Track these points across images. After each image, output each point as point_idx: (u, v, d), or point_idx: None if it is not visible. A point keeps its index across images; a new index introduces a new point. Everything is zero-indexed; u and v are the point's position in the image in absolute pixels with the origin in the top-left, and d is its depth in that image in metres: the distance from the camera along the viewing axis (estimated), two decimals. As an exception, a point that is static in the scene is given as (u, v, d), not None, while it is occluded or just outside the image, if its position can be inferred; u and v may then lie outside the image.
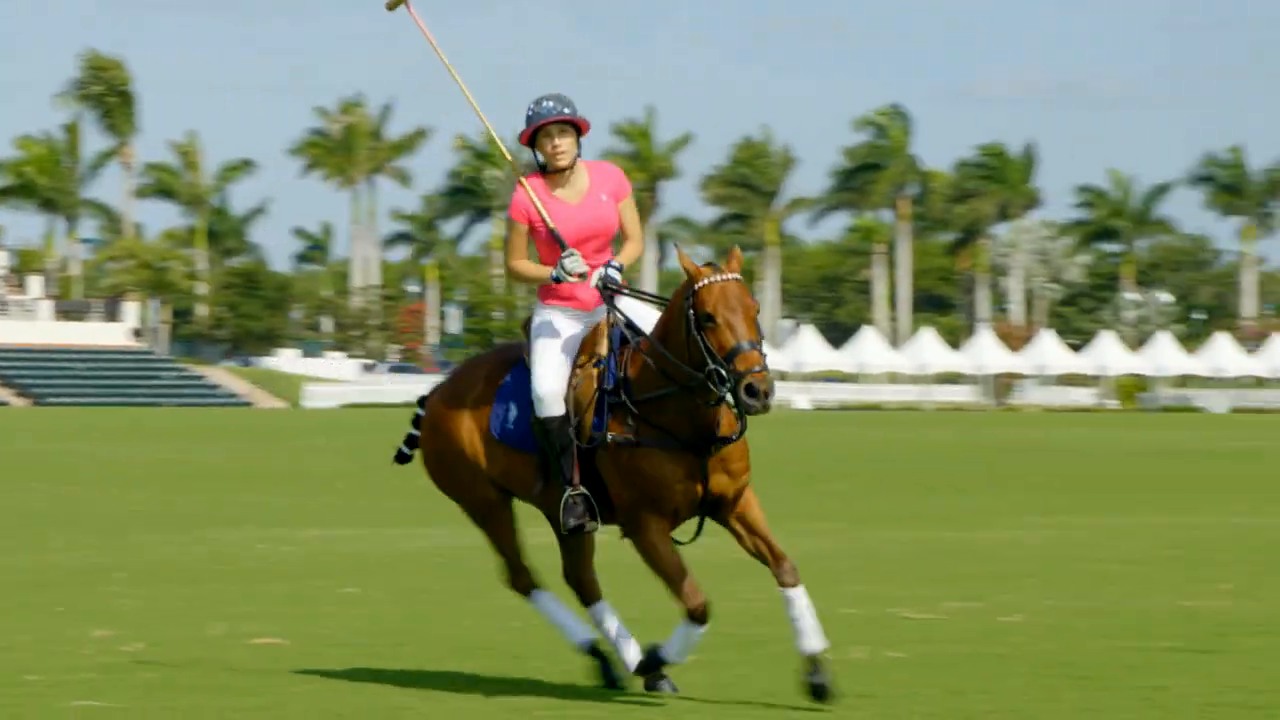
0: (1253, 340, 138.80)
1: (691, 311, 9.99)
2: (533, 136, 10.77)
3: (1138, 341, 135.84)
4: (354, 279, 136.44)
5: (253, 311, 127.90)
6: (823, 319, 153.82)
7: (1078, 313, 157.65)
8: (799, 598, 10.42)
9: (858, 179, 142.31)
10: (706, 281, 10.00)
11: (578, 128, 10.79)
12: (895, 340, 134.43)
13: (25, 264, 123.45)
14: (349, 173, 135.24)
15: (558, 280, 10.54)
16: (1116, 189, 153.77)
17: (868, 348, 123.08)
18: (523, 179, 10.74)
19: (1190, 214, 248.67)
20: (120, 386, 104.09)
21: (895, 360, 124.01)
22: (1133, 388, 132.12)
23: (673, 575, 10.40)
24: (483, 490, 11.02)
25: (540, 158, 10.80)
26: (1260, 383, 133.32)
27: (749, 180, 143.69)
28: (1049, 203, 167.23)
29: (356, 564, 19.12)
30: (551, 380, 10.43)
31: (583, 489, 10.49)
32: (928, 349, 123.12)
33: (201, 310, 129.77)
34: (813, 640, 10.31)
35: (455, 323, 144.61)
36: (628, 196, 10.90)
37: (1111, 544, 22.55)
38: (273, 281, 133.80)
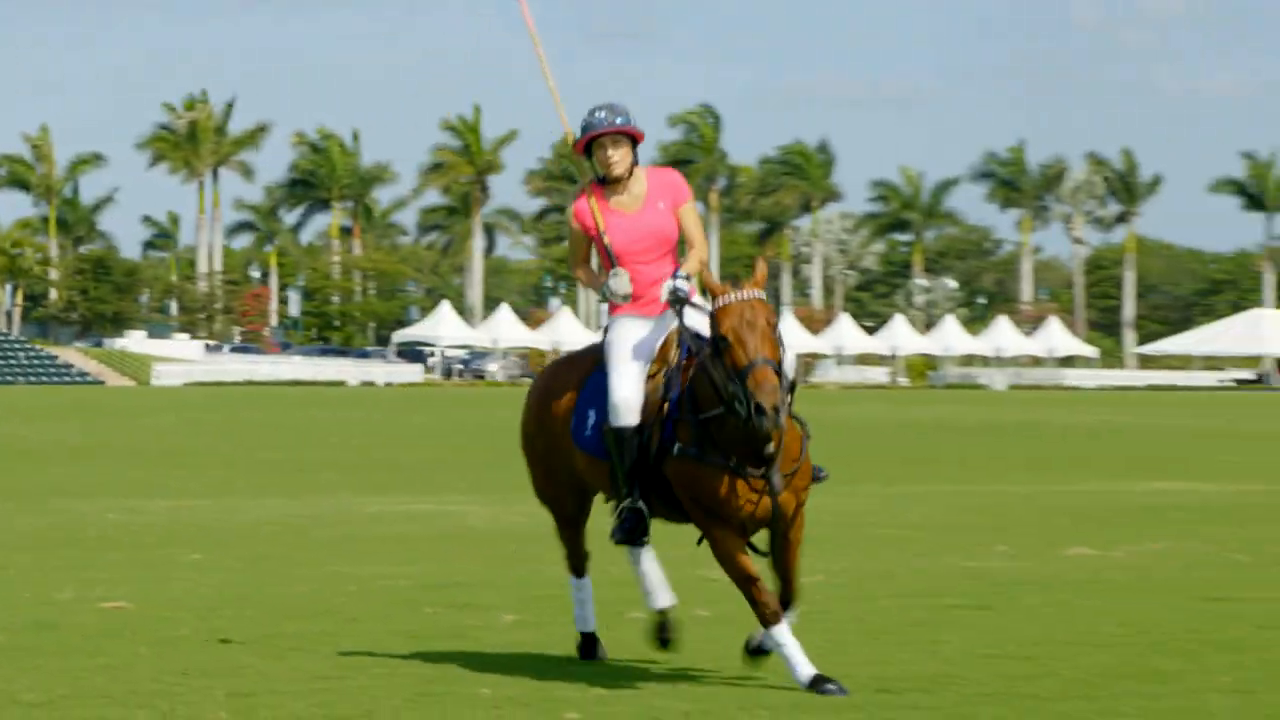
0: (1029, 323, 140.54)
1: (712, 333, 9.44)
2: (587, 147, 10.01)
3: (927, 324, 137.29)
4: (199, 265, 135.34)
5: (103, 295, 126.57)
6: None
7: (872, 298, 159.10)
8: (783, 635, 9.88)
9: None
10: (722, 302, 9.43)
11: (632, 137, 10.00)
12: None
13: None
14: (194, 165, 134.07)
15: (603, 299, 10.11)
16: (908, 184, 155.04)
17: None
18: (589, 188, 10.07)
19: (974, 207, 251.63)
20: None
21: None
22: (922, 367, 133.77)
23: (742, 583, 9.81)
24: (564, 490, 10.69)
25: (596, 167, 10.05)
26: (1036, 361, 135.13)
27: (570, 174, 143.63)
28: (847, 196, 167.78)
29: (201, 532, 18.96)
30: (628, 389, 9.82)
31: (640, 504, 9.99)
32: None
33: (53, 294, 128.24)
34: (804, 669, 9.80)
35: (295, 306, 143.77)
36: (686, 203, 10.13)
37: (902, 510, 22.77)
38: (122, 267, 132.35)
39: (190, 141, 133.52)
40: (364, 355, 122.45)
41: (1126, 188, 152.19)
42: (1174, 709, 9.18)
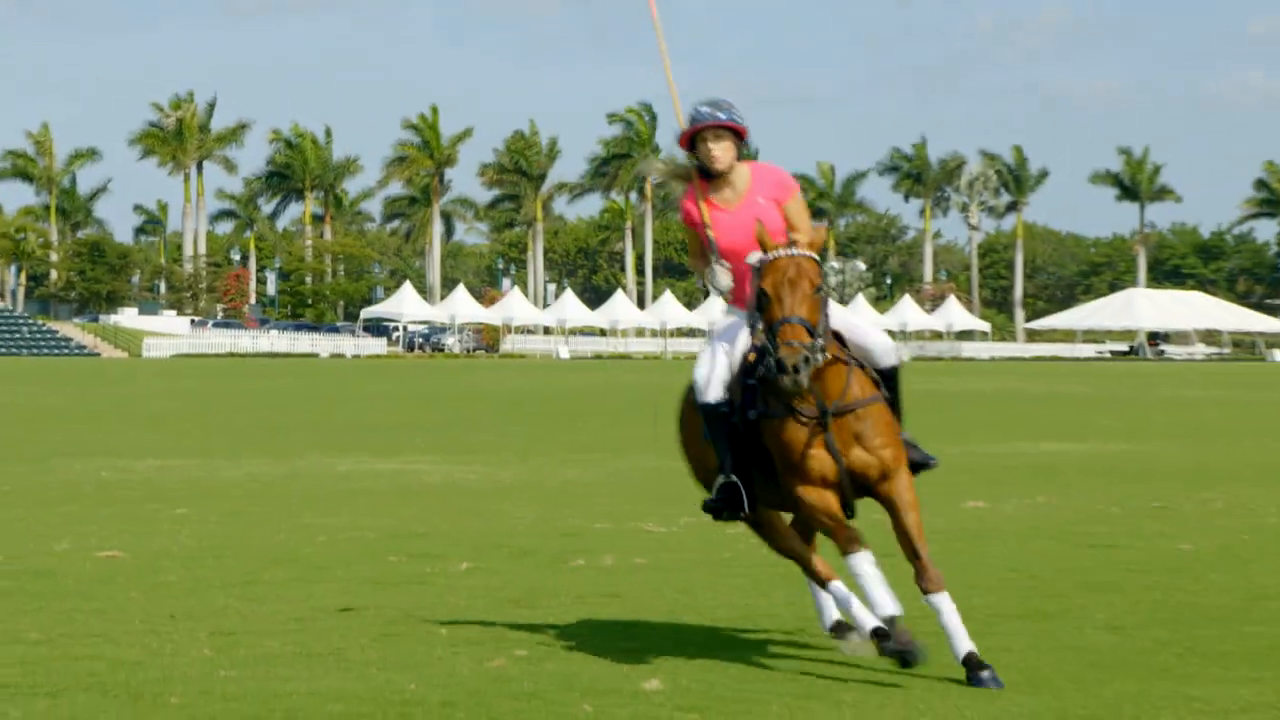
0: (931, 301, 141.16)
1: (754, 286, 8.54)
2: (692, 142, 9.19)
3: (840, 302, 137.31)
4: (185, 249, 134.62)
5: (98, 276, 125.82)
6: (581, 283, 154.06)
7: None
8: (942, 603, 8.53)
9: (611, 166, 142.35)
10: (771, 257, 8.46)
11: (736, 132, 9.07)
12: (641, 301, 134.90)
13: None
14: (180, 159, 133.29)
15: (707, 291, 9.56)
16: (822, 177, 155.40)
17: (619, 307, 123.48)
18: (696, 184, 9.24)
19: (881, 197, 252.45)
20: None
21: (641, 318, 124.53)
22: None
23: (825, 520, 8.64)
24: (711, 477, 9.14)
25: (699, 162, 9.17)
26: (937, 335, 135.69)
27: (520, 167, 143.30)
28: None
29: (187, 489, 18.89)
30: (705, 367, 8.91)
31: (733, 478, 8.83)
32: (668, 308, 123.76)
33: (54, 275, 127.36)
34: (962, 644, 8.45)
35: (272, 286, 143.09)
36: (791, 198, 9.10)
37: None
38: (115, 251, 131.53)
39: (177, 138, 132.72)
40: (334, 330, 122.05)
41: (1016, 180, 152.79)
42: (1058, 644, 9.24)
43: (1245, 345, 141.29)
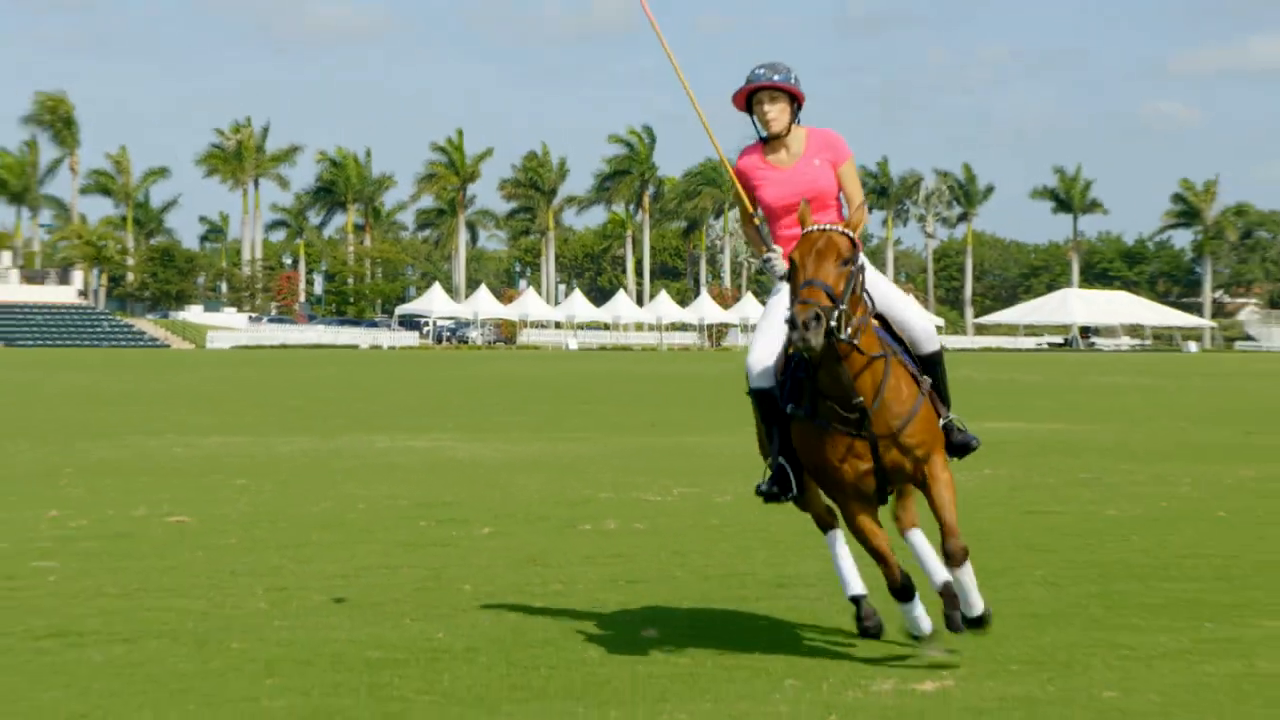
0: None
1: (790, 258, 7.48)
2: (748, 104, 8.10)
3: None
4: (244, 254, 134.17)
5: (168, 278, 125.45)
6: (587, 284, 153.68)
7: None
8: (964, 576, 7.80)
9: (613, 182, 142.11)
10: (804, 231, 7.44)
11: (792, 95, 8.00)
12: (640, 300, 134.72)
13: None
14: (239, 176, 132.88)
15: (761, 271, 8.54)
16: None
17: (620, 305, 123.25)
18: (731, 170, 8.27)
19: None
20: (70, 333, 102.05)
21: (640, 314, 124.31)
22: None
23: (870, 553, 7.84)
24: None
25: (757, 124, 8.13)
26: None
27: (534, 183, 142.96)
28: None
29: (245, 463, 18.90)
30: (758, 353, 8.00)
31: (781, 460, 7.96)
32: (663, 306, 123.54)
33: (130, 277, 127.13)
34: (975, 605, 7.87)
35: (319, 286, 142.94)
36: (846, 162, 8.06)
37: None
38: (183, 256, 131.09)
39: (237, 158, 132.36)
40: (372, 325, 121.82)
41: (966, 194, 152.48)
42: (1001, 598, 9.26)
43: (1164, 338, 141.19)
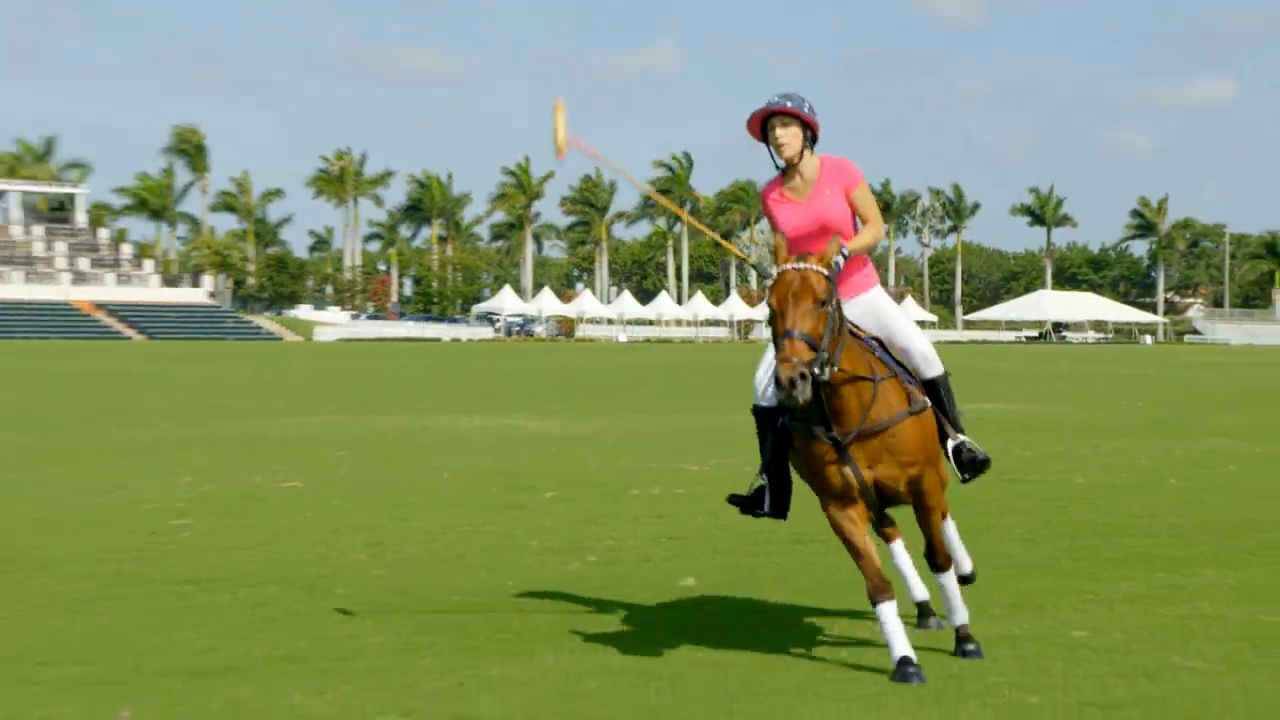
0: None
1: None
2: (764, 131, 6.98)
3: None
4: (345, 261, 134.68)
5: (282, 281, 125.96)
6: (635, 286, 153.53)
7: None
8: (946, 580, 6.90)
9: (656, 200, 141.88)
10: (778, 270, 6.37)
11: (805, 123, 6.90)
12: (680, 299, 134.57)
13: (143, 252, 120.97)
14: (342, 196, 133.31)
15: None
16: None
17: (663, 304, 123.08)
18: (755, 267, 6.95)
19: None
20: (200, 328, 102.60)
21: (679, 312, 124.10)
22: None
23: (850, 552, 6.60)
24: None
25: (772, 151, 6.98)
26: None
27: (590, 201, 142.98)
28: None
29: (347, 437, 18.96)
30: (761, 369, 6.92)
31: (761, 480, 6.90)
32: (699, 305, 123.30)
33: (251, 281, 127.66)
34: (959, 615, 6.86)
35: (408, 289, 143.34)
36: (857, 186, 6.92)
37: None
38: (294, 263, 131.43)
39: (340, 181, 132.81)
40: (453, 321, 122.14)
41: (956, 210, 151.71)
42: (984, 551, 9.23)
43: (1125, 332, 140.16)
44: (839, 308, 6.37)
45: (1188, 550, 9.64)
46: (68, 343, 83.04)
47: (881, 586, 6.42)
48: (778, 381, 6.06)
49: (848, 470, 6.47)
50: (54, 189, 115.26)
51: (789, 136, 6.89)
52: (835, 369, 6.30)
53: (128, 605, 7.89)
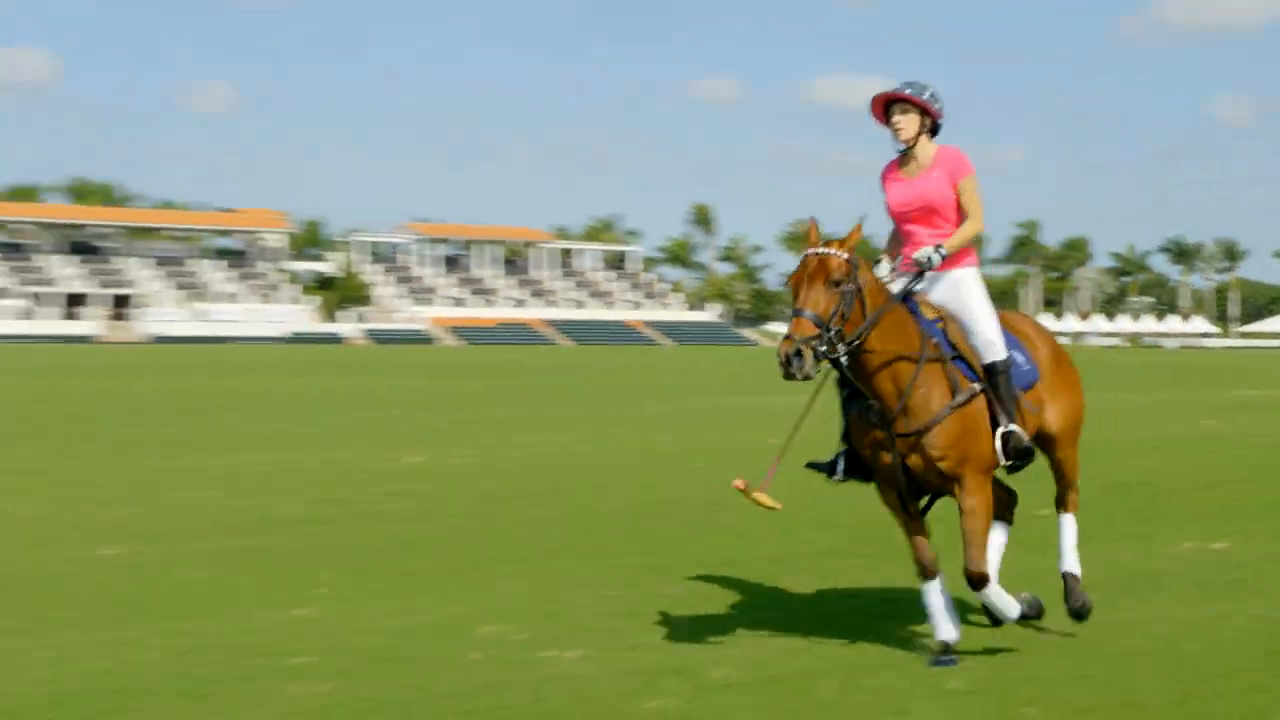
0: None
1: None
2: (887, 115, 5.55)
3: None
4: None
5: (758, 306, 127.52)
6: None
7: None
8: (988, 598, 5.41)
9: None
10: (801, 254, 5.13)
11: (923, 110, 5.48)
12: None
13: (674, 288, 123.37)
14: (796, 249, 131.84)
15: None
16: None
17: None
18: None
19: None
20: (708, 339, 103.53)
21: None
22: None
23: (899, 525, 5.42)
24: None
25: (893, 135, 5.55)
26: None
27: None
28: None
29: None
30: None
31: (837, 454, 5.48)
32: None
33: (743, 305, 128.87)
34: (1010, 610, 5.50)
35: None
36: (966, 177, 5.46)
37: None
38: (770, 295, 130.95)
39: (796, 239, 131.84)
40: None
41: (1230, 254, 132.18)
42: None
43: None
44: (863, 290, 5.04)
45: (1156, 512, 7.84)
46: (616, 347, 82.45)
47: (924, 565, 5.25)
48: (779, 357, 4.87)
49: (883, 455, 5.17)
50: (617, 248, 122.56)
51: (906, 122, 5.47)
52: (857, 347, 5.01)
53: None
